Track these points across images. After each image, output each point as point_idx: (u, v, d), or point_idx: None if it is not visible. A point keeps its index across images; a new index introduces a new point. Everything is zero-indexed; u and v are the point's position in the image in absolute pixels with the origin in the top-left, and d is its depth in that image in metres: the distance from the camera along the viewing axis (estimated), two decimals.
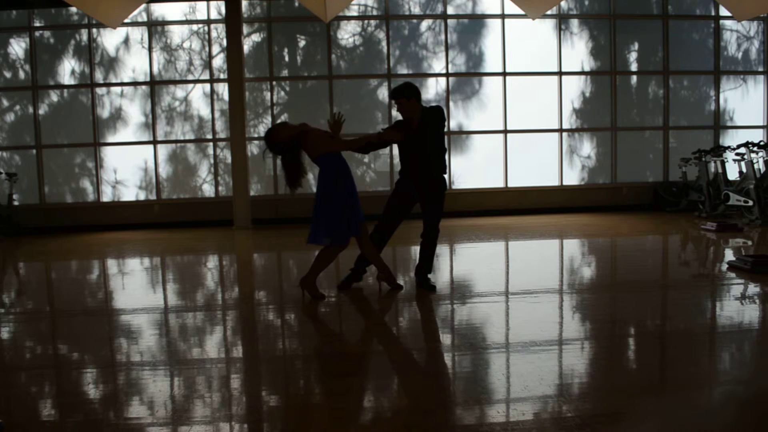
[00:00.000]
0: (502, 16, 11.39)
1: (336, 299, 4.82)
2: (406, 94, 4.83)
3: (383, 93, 11.42)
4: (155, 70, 11.23)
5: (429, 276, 5.04)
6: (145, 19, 11.14)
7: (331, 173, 4.64)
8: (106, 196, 11.32)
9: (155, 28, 11.20)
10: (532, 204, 11.43)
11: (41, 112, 11.20)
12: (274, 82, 11.33)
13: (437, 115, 4.82)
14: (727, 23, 11.82)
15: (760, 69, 12.04)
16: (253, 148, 11.23)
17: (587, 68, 11.76)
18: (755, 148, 9.11)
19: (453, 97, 11.50)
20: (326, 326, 4.24)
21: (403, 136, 4.79)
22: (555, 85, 11.62)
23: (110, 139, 11.28)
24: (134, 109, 11.30)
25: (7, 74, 11.21)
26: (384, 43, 11.40)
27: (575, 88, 11.75)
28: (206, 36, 11.27)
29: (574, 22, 11.71)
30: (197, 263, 7.20)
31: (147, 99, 11.23)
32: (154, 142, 11.25)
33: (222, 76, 11.17)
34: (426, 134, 4.81)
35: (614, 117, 11.74)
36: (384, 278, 5.01)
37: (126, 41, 11.24)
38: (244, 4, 11.00)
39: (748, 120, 12.05)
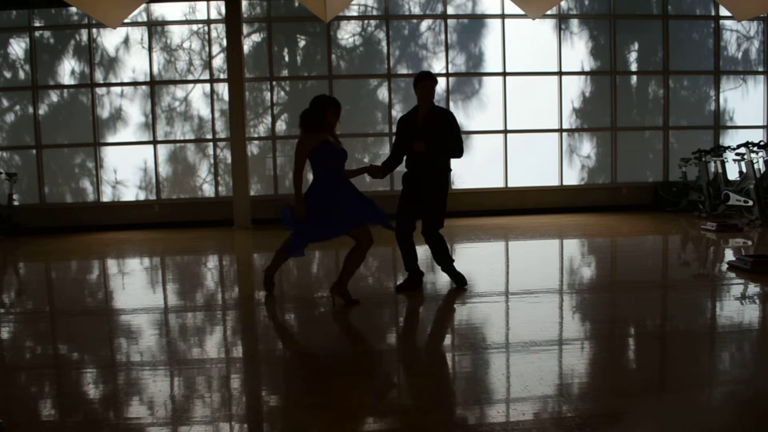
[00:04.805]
0: (502, 16, 11.38)
1: (335, 299, 4.81)
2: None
3: (383, 93, 11.41)
4: (155, 70, 11.22)
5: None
6: (145, 19, 11.13)
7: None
8: (106, 196, 11.31)
9: (155, 28, 11.19)
10: (532, 204, 11.42)
11: (41, 112, 11.19)
12: (274, 82, 11.33)
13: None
14: (727, 23, 11.81)
15: (760, 69, 12.03)
16: (253, 148, 11.23)
17: (587, 68, 11.75)
18: (755, 148, 9.11)
19: (453, 97, 11.49)
20: (325, 326, 4.24)
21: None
22: (555, 85, 11.61)
23: (110, 139, 11.27)
24: (134, 109, 11.29)
25: (7, 74, 11.20)
26: (384, 43, 11.39)
27: (575, 88, 11.74)
28: (206, 36, 11.26)
29: (574, 22, 11.70)
30: (197, 263, 7.20)
31: (147, 99, 11.23)
32: (154, 142, 11.25)
33: (222, 76, 11.16)
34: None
35: (614, 117, 11.74)
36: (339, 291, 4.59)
37: (126, 41, 11.24)
38: (244, 4, 10.99)
39: (748, 120, 12.04)
